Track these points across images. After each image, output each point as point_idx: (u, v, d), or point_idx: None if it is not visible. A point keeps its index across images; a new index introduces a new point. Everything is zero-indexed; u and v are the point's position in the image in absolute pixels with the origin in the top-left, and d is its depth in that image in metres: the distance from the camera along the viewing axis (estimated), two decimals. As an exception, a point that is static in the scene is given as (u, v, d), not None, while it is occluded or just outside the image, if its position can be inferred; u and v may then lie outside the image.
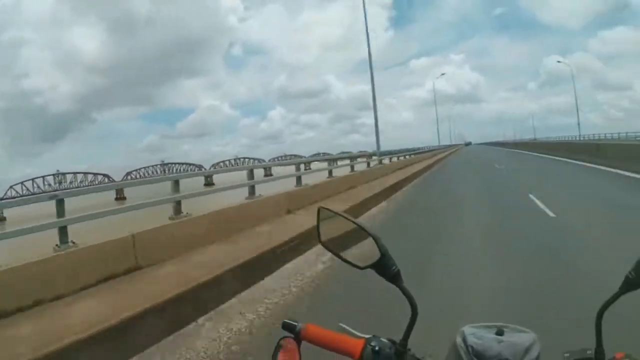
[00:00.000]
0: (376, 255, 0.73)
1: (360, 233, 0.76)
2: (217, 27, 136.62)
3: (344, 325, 0.79)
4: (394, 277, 0.73)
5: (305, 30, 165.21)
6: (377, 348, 0.72)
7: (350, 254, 0.79)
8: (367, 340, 0.73)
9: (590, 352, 0.71)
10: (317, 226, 0.83)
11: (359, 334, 0.76)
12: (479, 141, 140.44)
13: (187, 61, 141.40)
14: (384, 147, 19.40)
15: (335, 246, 0.81)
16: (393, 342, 0.73)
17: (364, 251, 0.76)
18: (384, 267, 0.73)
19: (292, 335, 0.76)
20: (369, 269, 0.75)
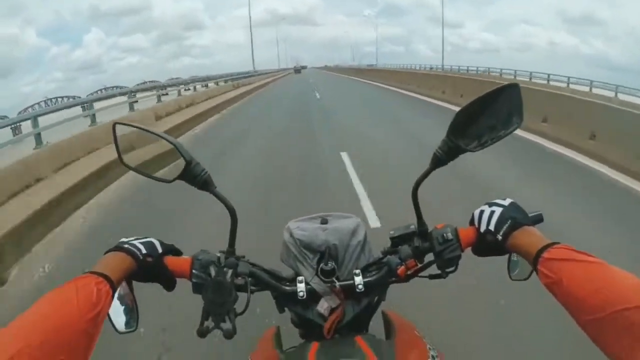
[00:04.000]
0: (182, 164, 0.68)
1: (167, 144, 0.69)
2: None
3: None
4: (204, 184, 0.69)
5: None
6: (204, 262, 0.69)
7: (158, 167, 0.72)
8: (194, 257, 0.70)
9: (414, 227, 0.74)
10: (116, 144, 0.72)
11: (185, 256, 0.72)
12: (315, 65, 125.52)
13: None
14: (214, 71, 19.27)
15: (141, 163, 0.73)
16: (222, 252, 0.71)
17: (171, 162, 0.70)
18: (192, 174, 0.68)
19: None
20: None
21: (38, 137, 6.02)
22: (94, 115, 7.77)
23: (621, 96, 19.39)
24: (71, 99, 17.29)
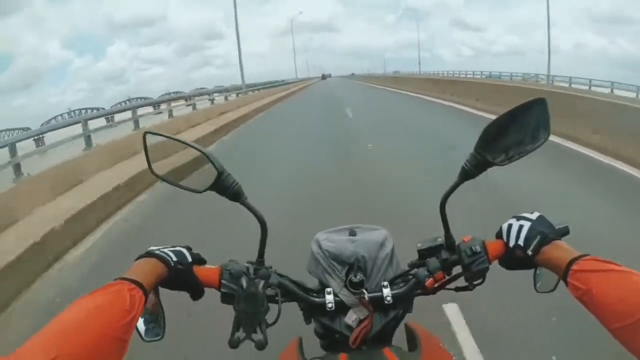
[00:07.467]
0: (213, 174, 0.68)
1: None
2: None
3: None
4: (235, 195, 0.69)
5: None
6: (233, 272, 0.69)
7: (188, 178, 0.73)
8: (223, 267, 0.71)
9: (441, 239, 0.75)
10: (146, 154, 0.72)
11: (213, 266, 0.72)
12: (338, 74, 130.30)
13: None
14: (238, 81, 20.15)
15: (171, 173, 0.73)
16: (251, 263, 0.72)
17: (202, 173, 0.70)
18: (223, 185, 0.69)
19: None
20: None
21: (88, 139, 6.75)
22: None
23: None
24: (95, 111, 16.98)
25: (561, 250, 0.63)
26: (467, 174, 0.71)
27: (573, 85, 23.66)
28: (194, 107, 13.22)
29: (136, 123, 9.22)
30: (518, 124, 0.70)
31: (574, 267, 0.58)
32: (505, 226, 0.71)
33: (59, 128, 7.25)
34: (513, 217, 0.72)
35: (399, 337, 0.84)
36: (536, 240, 0.66)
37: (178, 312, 0.90)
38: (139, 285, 0.57)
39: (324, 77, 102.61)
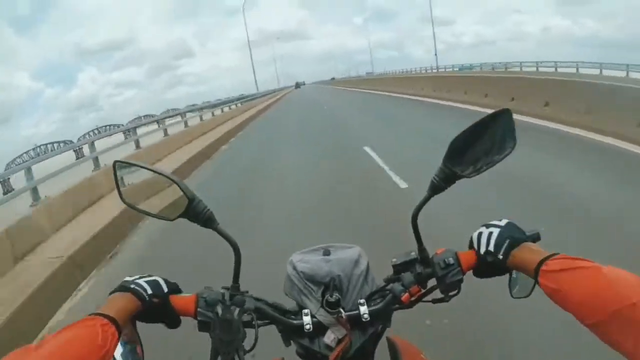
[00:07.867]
0: (185, 202, 0.68)
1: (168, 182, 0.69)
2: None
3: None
4: (207, 221, 0.69)
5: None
6: (208, 300, 0.68)
7: (159, 206, 0.72)
8: (199, 294, 0.70)
9: (414, 253, 0.76)
10: (116, 183, 0.72)
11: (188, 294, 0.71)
12: (314, 80, 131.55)
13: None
14: (207, 99, 17.85)
15: (143, 201, 0.72)
16: (227, 288, 0.71)
17: (173, 200, 0.70)
18: (195, 212, 0.68)
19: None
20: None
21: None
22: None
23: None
24: (62, 144, 15.37)
25: (531, 252, 0.64)
26: (436, 188, 0.72)
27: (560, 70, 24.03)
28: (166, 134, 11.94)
29: (96, 161, 7.73)
30: (484, 135, 0.72)
31: (544, 267, 0.58)
32: (475, 235, 0.72)
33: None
34: (482, 225, 0.73)
35: (383, 352, 0.84)
36: (506, 244, 0.66)
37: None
38: (112, 320, 0.57)
39: (297, 85, 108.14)
